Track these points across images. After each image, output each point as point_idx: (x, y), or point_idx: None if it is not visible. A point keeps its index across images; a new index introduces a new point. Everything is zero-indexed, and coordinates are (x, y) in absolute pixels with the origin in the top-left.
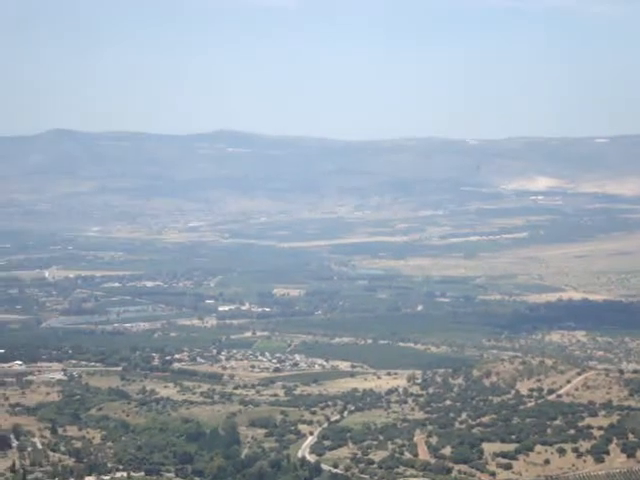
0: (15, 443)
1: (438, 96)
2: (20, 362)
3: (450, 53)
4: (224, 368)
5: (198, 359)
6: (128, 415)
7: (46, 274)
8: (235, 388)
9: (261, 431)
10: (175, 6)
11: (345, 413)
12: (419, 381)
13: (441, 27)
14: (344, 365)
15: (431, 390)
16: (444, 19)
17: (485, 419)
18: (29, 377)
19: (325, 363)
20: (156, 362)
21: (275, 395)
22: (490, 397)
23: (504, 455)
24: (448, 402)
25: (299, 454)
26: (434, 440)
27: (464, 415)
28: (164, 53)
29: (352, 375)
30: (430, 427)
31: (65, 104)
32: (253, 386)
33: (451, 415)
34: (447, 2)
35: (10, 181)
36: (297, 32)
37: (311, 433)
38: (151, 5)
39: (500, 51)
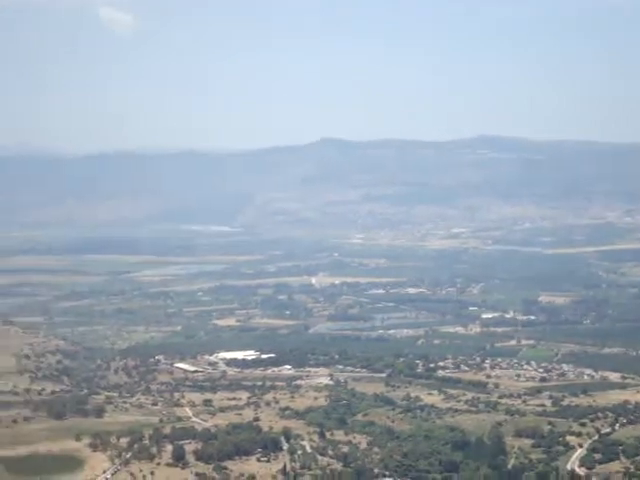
0: (285, 446)
1: None
2: (289, 366)
3: None
4: (488, 376)
5: (462, 367)
6: (393, 421)
7: (313, 281)
8: (500, 397)
9: (528, 442)
10: None
11: (616, 426)
12: None
13: None
14: (614, 376)
15: None
16: None
17: None
18: (298, 381)
19: (594, 373)
20: (420, 369)
21: (542, 405)
22: None
23: None
24: None
25: (568, 466)
26: None
27: None
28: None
29: (623, 387)
30: None
31: (335, 113)
32: (519, 395)
33: None
34: None
35: (280, 190)
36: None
37: (580, 445)
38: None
39: None
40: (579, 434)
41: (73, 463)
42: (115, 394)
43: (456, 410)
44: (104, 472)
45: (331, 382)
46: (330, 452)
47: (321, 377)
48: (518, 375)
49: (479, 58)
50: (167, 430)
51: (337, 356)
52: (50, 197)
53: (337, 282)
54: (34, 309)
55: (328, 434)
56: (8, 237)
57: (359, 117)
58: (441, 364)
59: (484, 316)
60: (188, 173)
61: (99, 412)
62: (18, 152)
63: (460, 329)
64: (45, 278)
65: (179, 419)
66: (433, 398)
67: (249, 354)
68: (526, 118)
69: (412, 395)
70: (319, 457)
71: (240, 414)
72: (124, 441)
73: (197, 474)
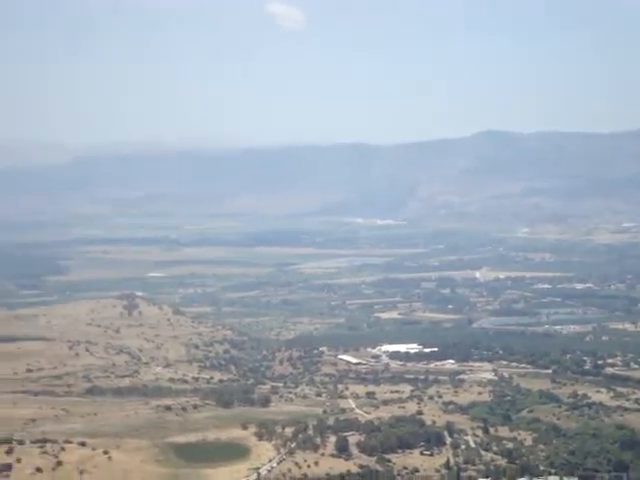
0: (448, 440)
1: None
2: (452, 361)
3: None
4: None
5: (632, 364)
6: (559, 419)
7: (477, 274)
8: None
9: None
10: None
11: None
12: None
13: None
14: None
15: None
16: None
17: None
18: (461, 376)
19: None
20: (587, 366)
21: None
22: None
23: None
24: None
25: None
26: None
27: None
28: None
29: None
30: None
31: (498, 105)
32: None
33: None
34: None
35: (442, 183)
36: None
37: None
38: None
39: None
40: None
41: (240, 451)
42: (280, 384)
43: (625, 409)
44: (270, 461)
45: (495, 377)
46: (494, 448)
47: (485, 372)
48: None
49: None
50: (331, 421)
51: (501, 351)
52: (220, 192)
53: (501, 276)
54: (203, 300)
55: (492, 430)
56: (181, 230)
57: (522, 109)
58: (610, 361)
59: None
60: (352, 166)
61: (265, 402)
62: (183, 148)
63: (630, 326)
64: (215, 269)
65: (342, 410)
66: (601, 396)
67: (412, 347)
68: None
69: (579, 392)
70: (483, 452)
71: (403, 407)
72: (289, 431)
73: (360, 466)
